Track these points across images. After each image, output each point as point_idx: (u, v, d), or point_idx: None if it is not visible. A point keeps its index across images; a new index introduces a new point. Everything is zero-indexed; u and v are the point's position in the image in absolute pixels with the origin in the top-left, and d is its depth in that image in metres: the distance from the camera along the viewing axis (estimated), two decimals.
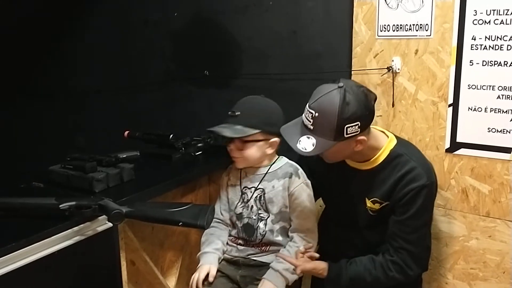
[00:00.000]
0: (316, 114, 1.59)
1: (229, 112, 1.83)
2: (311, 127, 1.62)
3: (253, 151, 1.85)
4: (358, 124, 1.59)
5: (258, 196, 1.90)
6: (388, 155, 1.76)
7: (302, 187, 1.88)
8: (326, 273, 1.79)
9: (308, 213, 1.88)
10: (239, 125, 1.81)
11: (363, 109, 1.60)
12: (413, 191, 1.70)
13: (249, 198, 1.91)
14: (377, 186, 1.78)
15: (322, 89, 1.62)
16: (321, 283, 1.94)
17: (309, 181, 1.91)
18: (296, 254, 1.83)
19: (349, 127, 1.58)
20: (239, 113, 1.82)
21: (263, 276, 1.80)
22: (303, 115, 1.66)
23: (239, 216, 1.93)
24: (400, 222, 1.74)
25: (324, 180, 1.93)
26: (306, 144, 1.62)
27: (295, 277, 1.82)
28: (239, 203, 1.93)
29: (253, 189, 1.91)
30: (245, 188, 1.93)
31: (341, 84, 1.59)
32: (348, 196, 1.85)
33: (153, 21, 2.75)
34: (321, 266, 1.80)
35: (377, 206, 1.79)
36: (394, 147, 1.77)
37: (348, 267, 1.79)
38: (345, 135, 1.59)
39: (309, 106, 1.63)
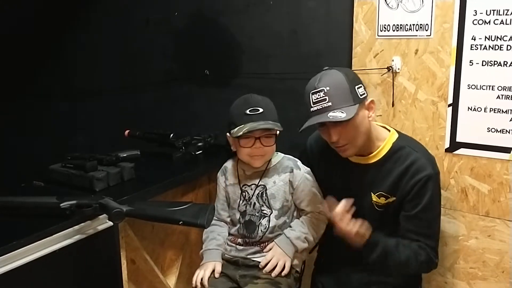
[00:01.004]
0: (328, 88, 1.64)
1: (248, 111, 1.81)
2: (330, 104, 1.64)
3: (274, 147, 1.88)
4: (362, 86, 1.71)
5: (260, 192, 1.90)
6: (390, 148, 1.77)
7: (306, 177, 1.91)
8: (368, 236, 1.71)
9: (317, 199, 1.90)
10: (269, 121, 1.82)
11: (358, 77, 1.73)
12: (420, 182, 1.70)
13: (250, 195, 1.92)
14: (382, 180, 1.77)
15: (317, 75, 1.69)
16: (321, 278, 1.96)
17: (309, 169, 1.93)
18: (335, 215, 1.70)
19: (358, 87, 1.69)
20: (262, 110, 1.82)
21: (275, 240, 1.84)
22: (312, 103, 1.66)
23: (243, 214, 1.93)
24: (414, 217, 1.73)
25: (327, 177, 1.93)
26: (337, 116, 1.63)
27: (305, 246, 1.86)
28: (241, 201, 1.94)
29: (253, 186, 1.91)
30: (244, 186, 1.93)
31: (326, 67, 1.72)
32: (353, 192, 1.83)
33: (154, 21, 2.75)
34: (368, 232, 1.72)
35: (382, 200, 1.79)
36: (396, 140, 1.78)
37: (386, 239, 1.75)
38: (360, 96, 1.67)
39: (316, 88, 1.65)
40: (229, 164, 2.02)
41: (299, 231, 1.86)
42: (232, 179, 1.98)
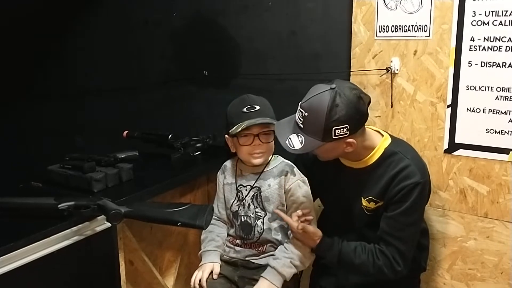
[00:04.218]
0: (306, 114, 1.63)
1: (245, 109, 1.82)
2: (301, 126, 1.65)
3: (272, 144, 1.88)
4: (346, 127, 1.61)
5: (254, 194, 1.90)
6: (382, 153, 1.76)
7: (298, 183, 1.88)
8: (319, 241, 1.79)
9: (304, 209, 1.87)
10: (266, 117, 1.82)
11: (353, 113, 1.61)
12: (406, 188, 1.70)
13: (244, 196, 1.91)
14: (372, 185, 1.78)
15: (315, 89, 1.65)
16: (321, 280, 1.97)
17: (305, 178, 1.91)
18: (292, 217, 1.81)
19: (337, 129, 1.61)
20: (258, 107, 1.82)
21: (261, 274, 1.80)
22: (296, 113, 1.68)
23: (235, 214, 1.93)
24: (390, 218, 1.74)
25: (320, 180, 1.93)
26: (295, 142, 1.66)
27: (293, 271, 1.82)
28: (235, 201, 1.94)
29: (248, 187, 1.91)
30: (240, 186, 1.93)
31: (333, 85, 1.62)
32: (345, 196, 1.86)
33: (153, 21, 2.75)
34: (318, 233, 1.80)
35: (372, 205, 1.79)
36: (388, 145, 1.78)
37: (340, 243, 1.79)
38: (333, 137, 1.62)
39: (300, 105, 1.66)
40: (228, 163, 2.02)
41: (283, 258, 1.81)
42: (229, 178, 1.98)
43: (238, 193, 1.93)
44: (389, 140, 1.79)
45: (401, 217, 1.72)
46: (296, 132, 1.66)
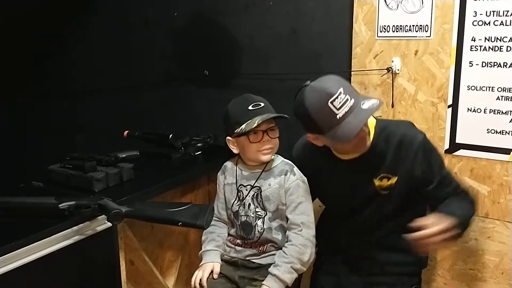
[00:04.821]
0: (341, 89, 1.60)
1: (251, 106, 1.81)
2: (353, 100, 1.61)
3: (277, 140, 1.87)
4: None
5: (255, 194, 1.90)
6: (374, 132, 1.76)
7: (298, 183, 1.87)
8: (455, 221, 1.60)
9: (302, 208, 1.86)
10: (272, 113, 1.82)
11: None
12: (419, 151, 1.71)
13: (244, 196, 1.91)
14: (379, 162, 1.76)
15: (308, 92, 1.65)
16: (322, 280, 1.96)
17: (305, 178, 1.90)
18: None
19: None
20: (263, 104, 1.83)
21: (263, 282, 1.80)
22: (337, 109, 1.59)
23: (236, 214, 1.93)
24: (440, 184, 1.72)
25: (319, 179, 1.91)
26: (373, 103, 1.63)
27: (294, 276, 1.81)
28: (235, 201, 1.93)
29: (248, 187, 1.91)
30: (240, 186, 1.93)
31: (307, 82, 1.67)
32: (356, 187, 1.83)
33: (154, 21, 2.75)
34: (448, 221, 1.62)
35: (385, 182, 1.77)
36: (376, 123, 1.78)
37: (455, 212, 1.63)
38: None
39: (332, 94, 1.59)
40: (228, 163, 2.01)
41: (283, 264, 1.80)
42: (230, 179, 1.97)
43: (239, 193, 1.93)
44: (373, 119, 1.79)
45: (442, 174, 1.73)
46: (357, 108, 1.61)
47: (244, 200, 1.91)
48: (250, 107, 1.81)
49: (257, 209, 1.89)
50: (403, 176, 1.75)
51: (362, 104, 1.61)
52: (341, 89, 1.60)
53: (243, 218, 1.92)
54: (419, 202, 1.82)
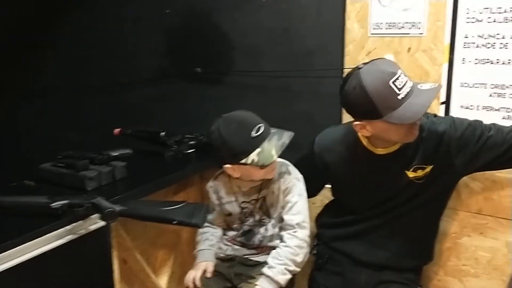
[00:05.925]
0: (400, 70, 1.57)
1: (254, 133, 1.70)
2: (411, 81, 1.59)
3: None
4: None
5: (260, 205, 1.88)
6: None
7: (294, 182, 1.86)
8: None
9: (299, 208, 1.84)
10: (275, 130, 1.75)
11: None
12: (459, 130, 1.69)
13: (251, 210, 1.89)
14: (411, 155, 1.73)
15: (365, 72, 1.57)
16: (324, 279, 1.94)
17: (300, 176, 1.88)
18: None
19: None
20: (260, 124, 1.73)
21: (256, 283, 1.79)
22: (398, 89, 1.55)
23: (239, 227, 1.93)
24: (487, 138, 1.68)
25: (341, 173, 1.86)
26: (432, 85, 1.62)
27: (288, 277, 1.80)
28: (242, 216, 1.92)
29: (253, 201, 1.88)
30: (244, 203, 1.90)
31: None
32: (387, 182, 1.79)
33: (146, 18, 2.73)
34: None
35: (420, 172, 1.74)
36: None
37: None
38: None
39: (394, 73, 1.55)
40: (220, 182, 1.95)
41: (277, 265, 1.79)
42: (227, 198, 1.93)
43: (244, 209, 1.91)
44: None
45: (477, 131, 1.70)
46: (415, 88, 1.58)
47: (253, 212, 1.90)
48: (253, 134, 1.69)
49: (262, 218, 1.88)
50: (441, 163, 1.72)
51: (420, 86, 1.57)
52: (400, 70, 1.56)
53: (246, 228, 1.91)
54: (449, 190, 1.86)
